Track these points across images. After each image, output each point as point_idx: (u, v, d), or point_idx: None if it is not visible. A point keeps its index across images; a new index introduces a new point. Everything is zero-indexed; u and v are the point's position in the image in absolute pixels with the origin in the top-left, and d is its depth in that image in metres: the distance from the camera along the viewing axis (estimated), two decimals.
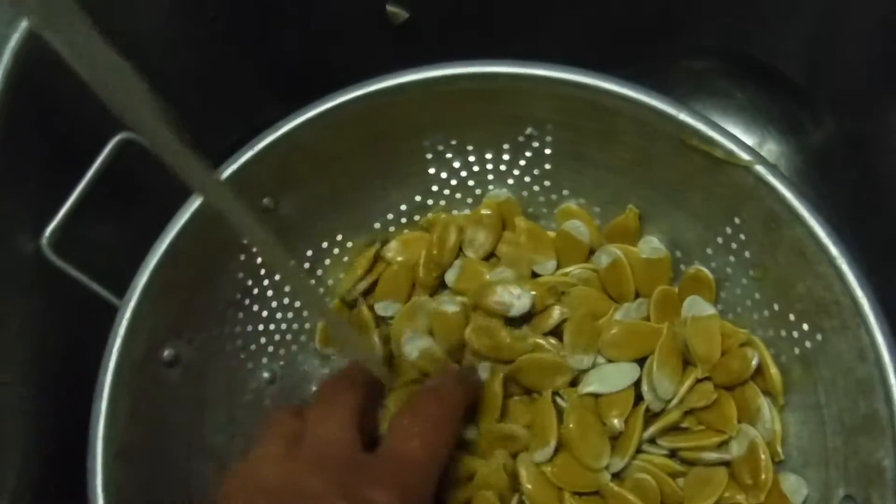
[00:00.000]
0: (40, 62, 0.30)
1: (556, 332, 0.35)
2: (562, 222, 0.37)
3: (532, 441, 0.33)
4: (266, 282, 0.35)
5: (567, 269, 0.36)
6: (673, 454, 0.33)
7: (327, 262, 0.37)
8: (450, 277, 0.36)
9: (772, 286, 0.33)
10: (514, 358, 0.34)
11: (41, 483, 0.31)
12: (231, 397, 0.35)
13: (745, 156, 0.30)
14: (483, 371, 0.34)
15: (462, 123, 0.35)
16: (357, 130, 0.34)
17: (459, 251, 0.37)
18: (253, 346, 0.36)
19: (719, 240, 0.34)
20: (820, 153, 0.44)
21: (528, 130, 0.35)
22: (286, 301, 0.36)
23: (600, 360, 0.34)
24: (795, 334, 0.32)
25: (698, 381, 0.32)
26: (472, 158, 0.37)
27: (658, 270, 0.35)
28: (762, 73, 0.44)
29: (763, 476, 0.31)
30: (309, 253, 0.37)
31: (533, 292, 0.34)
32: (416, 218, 0.38)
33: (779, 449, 0.32)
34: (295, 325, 0.37)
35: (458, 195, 0.38)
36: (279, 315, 0.37)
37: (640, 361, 0.33)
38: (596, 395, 0.33)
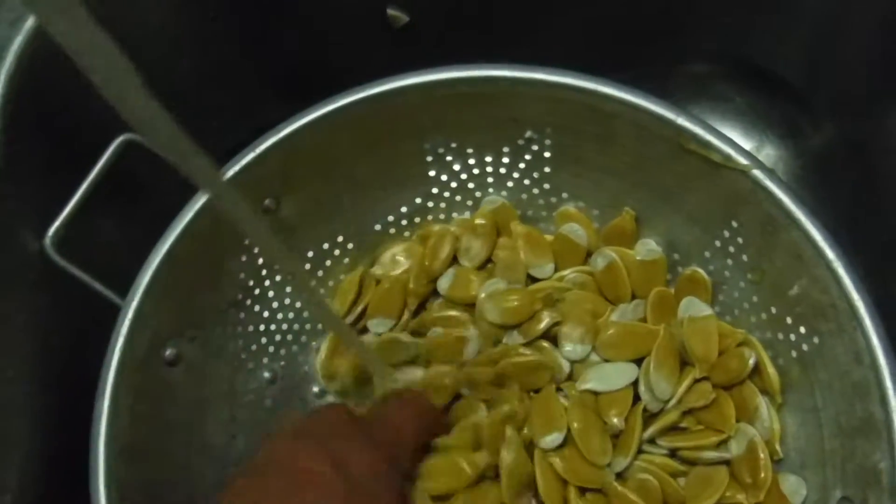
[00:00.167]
0: (43, 63, 0.30)
1: (547, 336, 0.35)
2: (560, 225, 0.37)
3: (538, 429, 0.33)
4: (267, 282, 0.36)
5: (563, 273, 0.36)
6: (673, 454, 0.33)
7: (328, 263, 0.38)
8: (443, 286, 0.37)
9: (769, 289, 0.33)
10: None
11: (44, 481, 0.31)
12: (232, 397, 0.35)
13: (742, 160, 0.31)
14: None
15: (462, 126, 0.35)
16: (358, 133, 0.34)
17: (454, 259, 0.38)
18: (254, 346, 0.36)
19: (717, 243, 0.34)
20: (818, 157, 0.44)
21: (528, 134, 0.35)
22: (287, 301, 0.37)
23: (596, 357, 0.34)
24: (793, 337, 0.32)
25: (696, 381, 0.33)
26: (471, 161, 0.37)
27: (654, 272, 0.35)
28: (761, 77, 0.44)
29: (762, 475, 0.31)
30: (310, 254, 0.37)
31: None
32: (417, 220, 0.39)
33: (777, 447, 0.32)
34: (296, 326, 0.37)
35: (458, 198, 0.38)
36: (280, 315, 0.37)
37: (638, 362, 0.34)
38: (595, 393, 0.33)
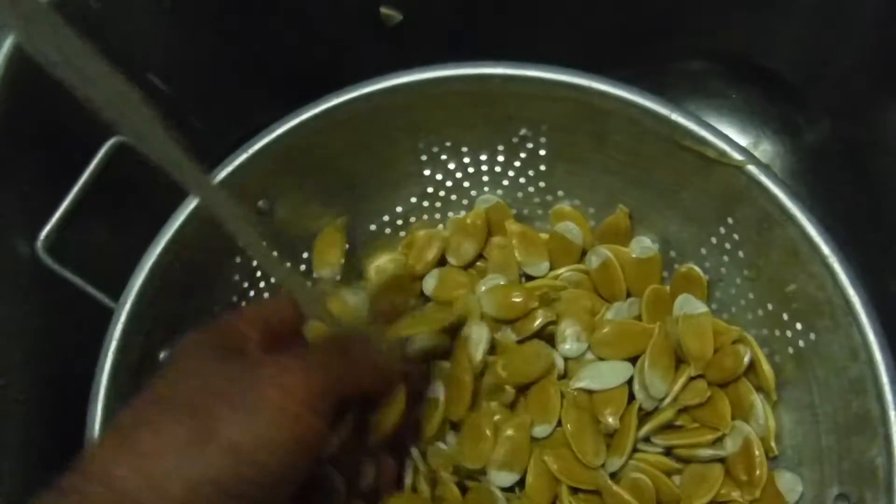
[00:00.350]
0: (35, 67, 0.30)
1: (541, 335, 0.35)
2: (555, 224, 0.37)
3: (534, 415, 0.33)
4: (262, 284, 0.35)
5: (558, 272, 0.36)
6: (668, 452, 0.33)
7: None
8: (428, 287, 0.36)
9: (765, 286, 0.33)
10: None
11: (36, 485, 0.31)
12: None
13: (737, 156, 0.30)
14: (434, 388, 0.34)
15: (457, 125, 0.35)
16: (352, 132, 0.34)
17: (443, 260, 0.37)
18: None
19: (713, 240, 0.34)
20: (815, 153, 0.44)
21: (523, 132, 0.35)
22: None
23: (591, 356, 0.34)
24: (789, 333, 0.32)
25: (691, 378, 0.33)
26: (466, 160, 0.37)
27: (649, 270, 0.35)
28: (757, 74, 0.44)
29: (758, 472, 0.31)
30: (305, 255, 0.37)
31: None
32: (412, 220, 0.38)
33: (773, 444, 0.32)
34: None
35: (453, 196, 0.38)
36: None
37: (633, 360, 0.33)
38: (589, 392, 0.33)
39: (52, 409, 0.32)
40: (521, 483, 0.33)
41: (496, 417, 0.33)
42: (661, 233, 0.36)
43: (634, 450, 0.32)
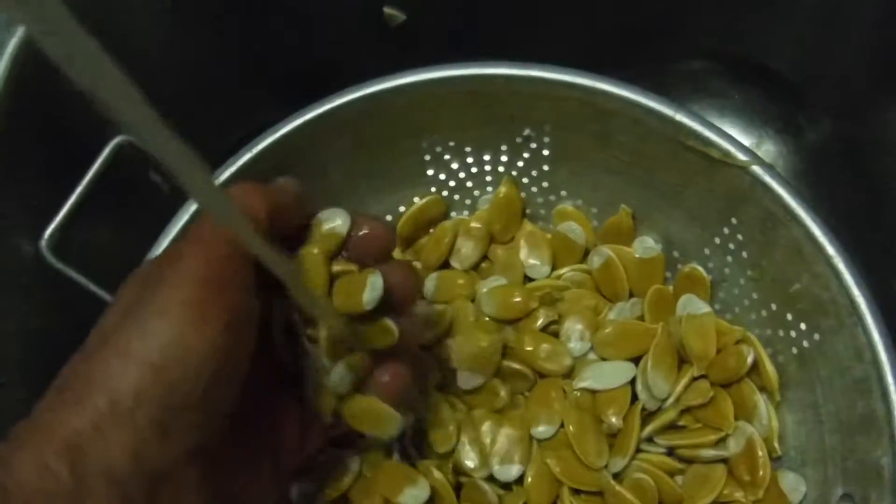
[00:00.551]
0: (38, 65, 0.30)
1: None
2: (558, 224, 0.37)
3: (532, 417, 0.33)
4: None
5: (561, 272, 0.36)
6: (671, 452, 0.33)
7: None
8: (428, 288, 0.36)
9: (769, 286, 0.33)
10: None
11: None
12: None
13: (741, 156, 0.30)
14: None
15: (460, 125, 0.35)
16: (355, 132, 0.34)
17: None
18: None
19: (717, 240, 0.34)
20: (817, 153, 0.44)
21: (526, 132, 0.35)
22: None
23: (593, 356, 0.34)
24: (793, 333, 0.32)
25: (694, 378, 0.33)
26: (470, 160, 0.37)
27: (652, 270, 0.35)
28: (759, 74, 0.44)
29: (761, 472, 0.31)
30: None
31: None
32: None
33: (776, 445, 0.32)
34: None
35: (456, 196, 0.38)
36: None
37: (636, 360, 0.33)
38: (593, 392, 0.33)
39: None
40: (519, 479, 0.33)
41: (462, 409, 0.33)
42: (664, 233, 0.36)
43: (637, 450, 0.32)
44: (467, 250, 0.37)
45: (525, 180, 0.37)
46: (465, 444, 0.33)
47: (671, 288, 0.36)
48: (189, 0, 0.38)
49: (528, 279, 0.37)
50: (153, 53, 0.38)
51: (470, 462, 0.32)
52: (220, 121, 0.40)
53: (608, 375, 0.33)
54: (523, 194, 0.38)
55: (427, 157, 0.36)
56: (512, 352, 0.34)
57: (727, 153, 0.31)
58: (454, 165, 0.37)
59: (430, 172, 0.37)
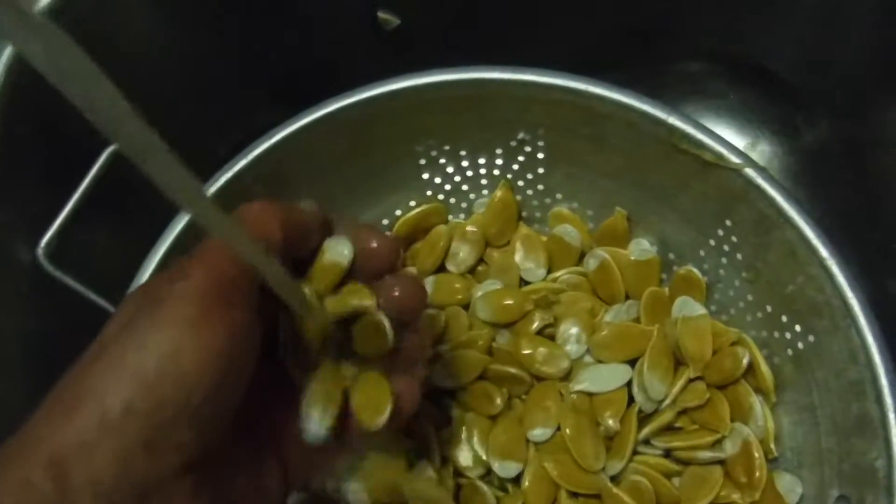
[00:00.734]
0: (35, 73, 0.30)
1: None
2: (553, 226, 0.37)
3: (528, 420, 0.33)
4: None
5: (556, 275, 0.36)
6: (667, 454, 0.33)
7: None
8: None
9: (764, 288, 0.33)
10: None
11: None
12: None
13: (734, 159, 0.31)
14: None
15: (455, 129, 0.35)
16: (350, 136, 0.34)
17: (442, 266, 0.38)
18: None
19: (711, 242, 0.34)
20: (813, 154, 0.44)
21: (521, 135, 0.35)
22: None
23: (590, 358, 0.34)
24: (788, 335, 0.32)
25: (690, 380, 0.33)
26: (465, 163, 0.37)
27: (647, 272, 0.35)
28: (756, 75, 0.44)
29: (757, 474, 0.31)
30: None
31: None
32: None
33: (772, 446, 0.32)
34: None
35: (452, 200, 0.38)
36: None
37: (632, 363, 0.34)
38: (589, 395, 0.33)
39: None
40: (517, 479, 0.33)
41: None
42: (659, 235, 0.36)
43: (634, 452, 0.33)
44: (463, 254, 0.37)
45: (520, 183, 0.37)
46: (460, 443, 0.33)
47: (667, 290, 0.36)
48: (188, 3, 0.38)
49: (524, 282, 0.37)
50: (149, 60, 0.38)
51: (464, 460, 0.32)
52: (217, 123, 0.40)
53: (605, 378, 0.33)
54: (519, 197, 0.38)
55: (422, 161, 0.37)
56: (509, 355, 0.34)
57: (720, 156, 0.31)
58: (450, 169, 0.37)
59: (425, 176, 0.37)
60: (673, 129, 0.31)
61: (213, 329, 0.19)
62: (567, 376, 0.34)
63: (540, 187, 0.37)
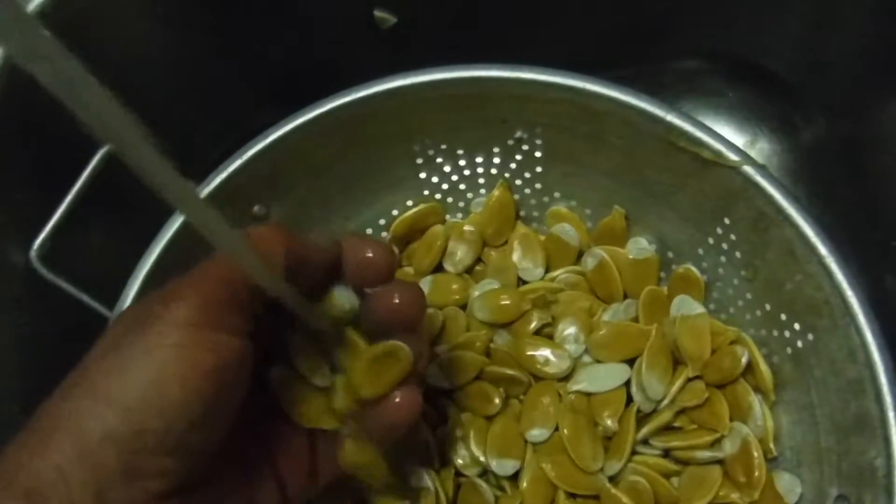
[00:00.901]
0: (27, 75, 0.30)
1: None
2: (551, 225, 0.37)
3: (526, 421, 0.33)
4: None
5: (554, 274, 0.36)
6: (666, 454, 0.33)
7: None
8: None
9: (763, 286, 0.33)
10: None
11: None
12: None
13: (733, 156, 0.30)
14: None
15: (452, 128, 0.35)
16: (347, 136, 0.34)
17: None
18: None
19: (710, 240, 0.34)
20: (812, 152, 0.43)
21: (518, 134, 0.35)
22: None
23: (588, 358, 0.34)
24: (787, 334, 0.32)
25: (689, 380, 0.32)
26: (462, 162, 0.37)
27: (645, 271, 0.35)
28: (754, 73, 0.44)
29: (756, 473, 0.31)
30: None
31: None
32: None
33: (771, 446, 0.32)
34: None
35: (449, 199, 0.38)
36: None
37: (630, 362, 0.33)
38: (588, 395, 0.33)
39: None
40: (515, 477, 0.33)
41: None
42: (657, 233, 0.36)
43: (633, 452, 0.32)
44: (461, 254, 0.37)
45: (518, 182, 0.37)
46: (457, 442, 0.33)
47: (665, 289, 0.35)
48: (185, 4, 0.37)
49: (521, 282, 0.37)
50: (144, 62, 0.37)
51: (460, 459, 0.32)
52: (214, 123, 0.40)
53: (603, 378, 0.33)
54: (516, 196, 0.38)
55: (419, 161, 0.36)
56: (507, 356, 0.34)
57: (718, 153, 0.31)
58: (447, 168, 0.37)
59: (422, 175, 0.37)
60: (671, 127, 0.31)
61: (202, 356, 0.19)
62: (567, 376, 0.34)
63: (538, 186, 0.37)
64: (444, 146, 0.36)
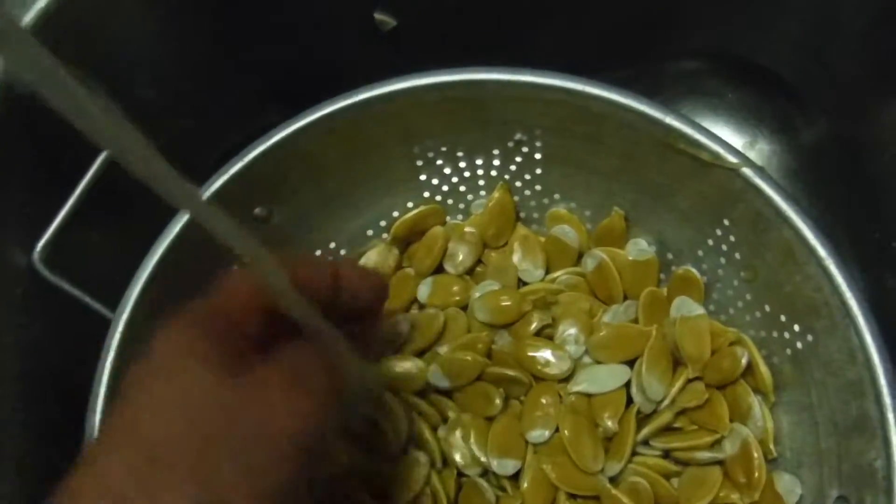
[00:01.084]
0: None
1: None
2: (551, 227, 0.37)
3: (527, 422, 0.33)
4: None
5: (554, 275, 0.36)
6: (666, 455, 0.33)
7: None
8: (422, 294, 0.36)
9: (763, 287, 0.33)
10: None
11: (36, 497, 0.31)
12: None
13: (731, 158, 0.30)
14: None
15: (452, 130, 0.35)
16: (347, 138, 0.34)
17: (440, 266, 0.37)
18: None
19: (709, 242, 0.34)
20: (812, 152, 0.44)
21: (518, 136, 0.35)
22: None
23: (588, 359, 0.34)
24: (787, 335, 0.32)
25: (689, 381, 0.33)
26: (462, 164, 0.37)
27: (645, 272, 0.35)
28: (753, 74, 0.44)
29: (756, 474, 0.31)
30: None
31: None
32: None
33: (771, 447, 0.32)
34: None
35: (449, 201, 0.38)
36: None
37: (630, 363, 0.33)
38: (588, 396, 0.33)
39: (50, 420, 0.32)
40: (515, 476, 0.33)
41: None
42: (657, 235, 0.36)
43: (633, 453, 0.32)
44: (461, 255, 0.37)
45: (518, 184, 0.37)
46: (457, 442, 0.33)
47: (665, 290, 0.36)
48: (187, 9, 0.38)
49: (522, 283, 0.37)
50: (145, 64, 0.38)
51: (462, 459, 0.32)
52: (214, 126, 0.40)
53: (603, 379, 0.33)
54: (516, 198, 0.38)
55: (420, 163, 0.36)
56: (508, 356, 0.34)
57: (718, 155, 0.31)
58: (447, 170, 0.37)
59: (422, 177, 0.37)
60: (670, 129, 0.31)
61: (310, 454, 0.19)
62: (567, 377, 0.34)
63: (537, 188, 0.37)
64: (444, 148, 0.36)
